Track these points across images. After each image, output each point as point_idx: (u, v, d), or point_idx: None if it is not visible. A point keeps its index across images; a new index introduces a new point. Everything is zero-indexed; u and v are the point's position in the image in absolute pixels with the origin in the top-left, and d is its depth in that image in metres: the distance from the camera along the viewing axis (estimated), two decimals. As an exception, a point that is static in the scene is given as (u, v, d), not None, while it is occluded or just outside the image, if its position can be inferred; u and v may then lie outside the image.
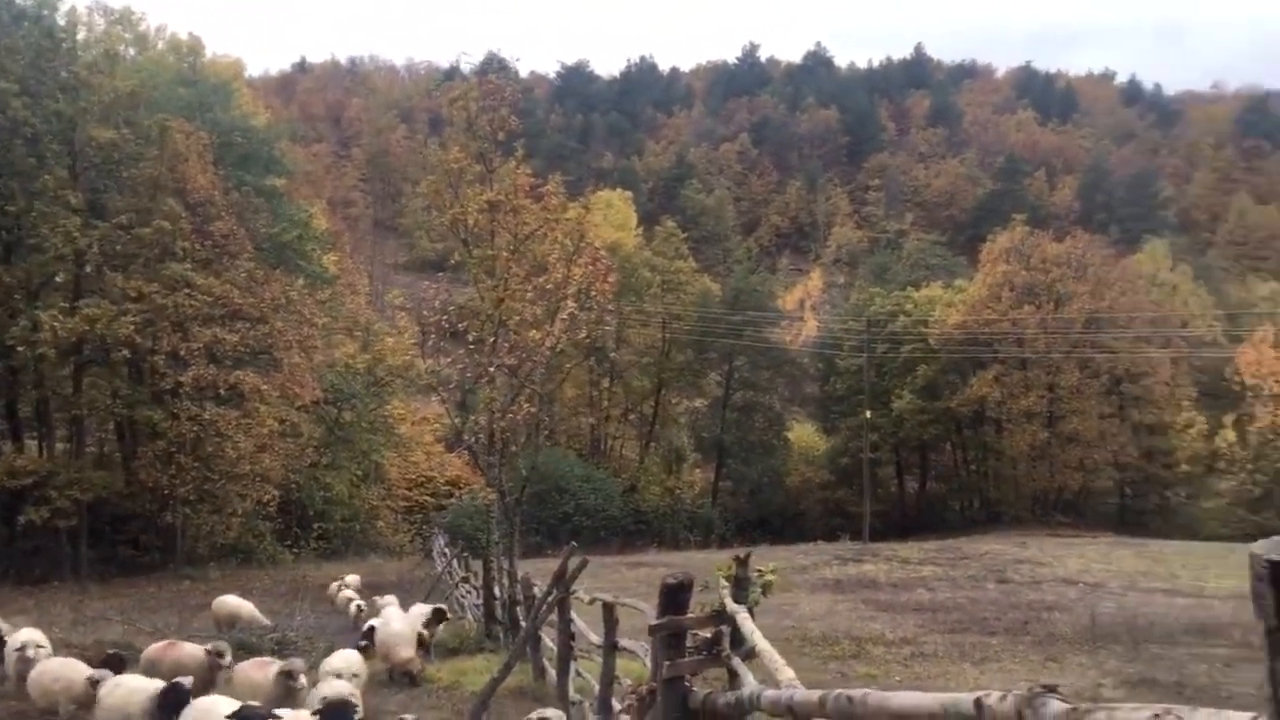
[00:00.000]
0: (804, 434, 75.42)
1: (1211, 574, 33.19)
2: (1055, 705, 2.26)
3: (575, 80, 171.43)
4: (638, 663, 9.79)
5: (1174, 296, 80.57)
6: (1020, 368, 67.00)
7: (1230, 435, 67.90)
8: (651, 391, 68.31)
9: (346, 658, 13.31)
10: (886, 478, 74.14)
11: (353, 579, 27.01)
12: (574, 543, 14.32)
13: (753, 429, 68.36)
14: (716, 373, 70.62)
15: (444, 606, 19.67)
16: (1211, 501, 69.09)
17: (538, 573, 17.35)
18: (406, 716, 11.29)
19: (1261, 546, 1.54)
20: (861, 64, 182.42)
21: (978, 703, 2.64)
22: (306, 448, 41.64)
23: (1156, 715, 1.84)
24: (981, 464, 71.48)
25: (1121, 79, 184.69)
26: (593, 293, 19.63)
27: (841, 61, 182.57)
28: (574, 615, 12.15)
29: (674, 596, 6.52)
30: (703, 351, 69.14)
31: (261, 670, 12.02)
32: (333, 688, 10.88)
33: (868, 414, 62.20)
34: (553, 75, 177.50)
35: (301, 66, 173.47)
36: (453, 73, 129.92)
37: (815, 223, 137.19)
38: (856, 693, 3.64)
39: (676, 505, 62.28)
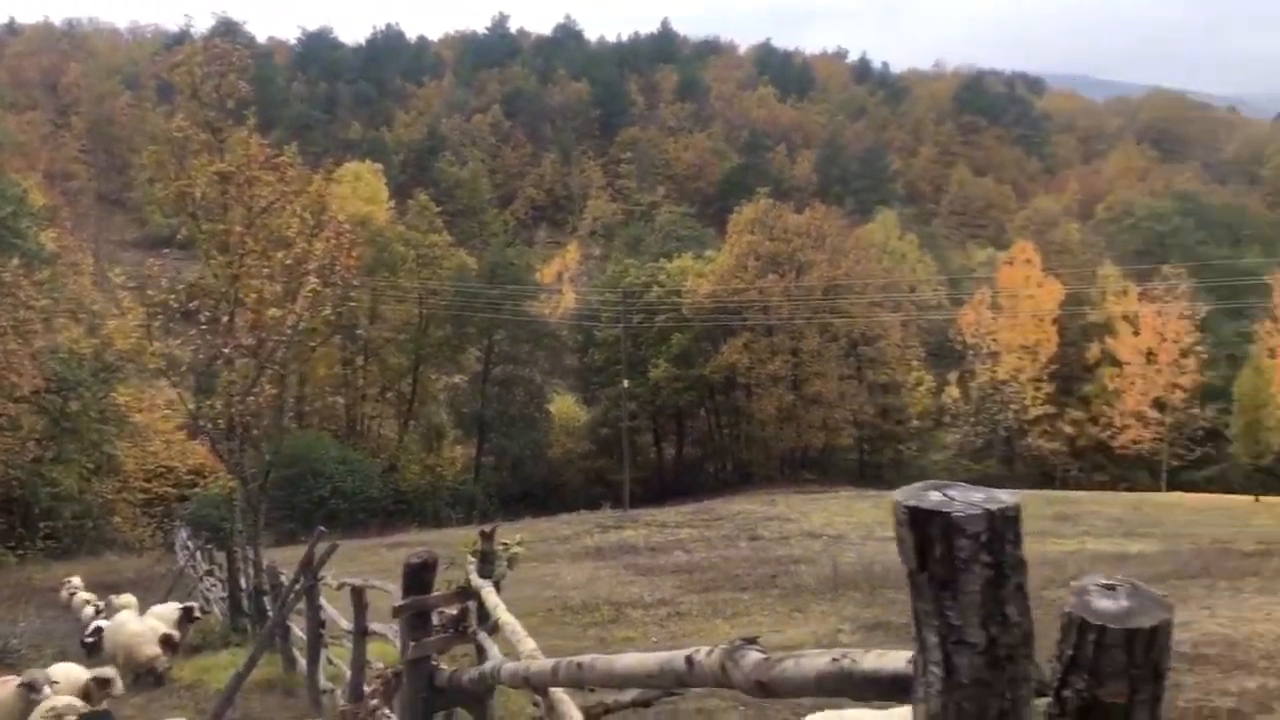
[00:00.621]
0: (565, 406, 76.05)
1: (939, 520, 35.87)
2: (753, 655, 2.33)
3: (318, 47, 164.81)
4: (391, 646, 9.59)
5: (903, 263, 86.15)
6: (767, 334, 70.01)
7: (954, 391, 73.51)
8: (409, 369, 67.05)
9: (66, 671, 12.29)
10: (645, 445, 75.86)
11: (76, 579, 25.13)
12: (322, 528, 13.86)
13: (514, 403, 68.32)
14: (476, 348, 70.01)
15: (194, 605, 18.64)
16: (940, 453, 74.71)
17: (292, 560, 16.69)
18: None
19: (901, 493, 1.62)
20: (611, 38, 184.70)
21: (689, 659, 2.70)
22: (27, 441, 38.43)
23: (834, 659, 1.92)
24: (733, 427, 74.37)
25: (853, 57, 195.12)
26: (337, 268, 18.90)
27: (591, 35, 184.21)
28: (323, 602, 11.77)
29: (417, 576, 6.41)
30: (461, 326, 68.37)
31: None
32: (62, 700, 10.06)
33: (626, 383, 63.32)
34: (293, 41, 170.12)
35: (11, 28, 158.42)
36: (182, 36, 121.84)
37: (571, 195, 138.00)
38: (585, 659, 3.68)
39: (438, 483, 61.56)
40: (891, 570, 23.45)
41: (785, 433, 69.25)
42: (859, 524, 35.58)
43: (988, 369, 72.71)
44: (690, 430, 77.88)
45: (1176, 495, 52.46)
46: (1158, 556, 24.50)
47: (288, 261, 18.19)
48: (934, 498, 1.56)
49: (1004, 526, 1.53)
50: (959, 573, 1.52)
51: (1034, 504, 41.78)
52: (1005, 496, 1.56)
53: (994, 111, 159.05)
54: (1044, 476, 71.94)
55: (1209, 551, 25.37)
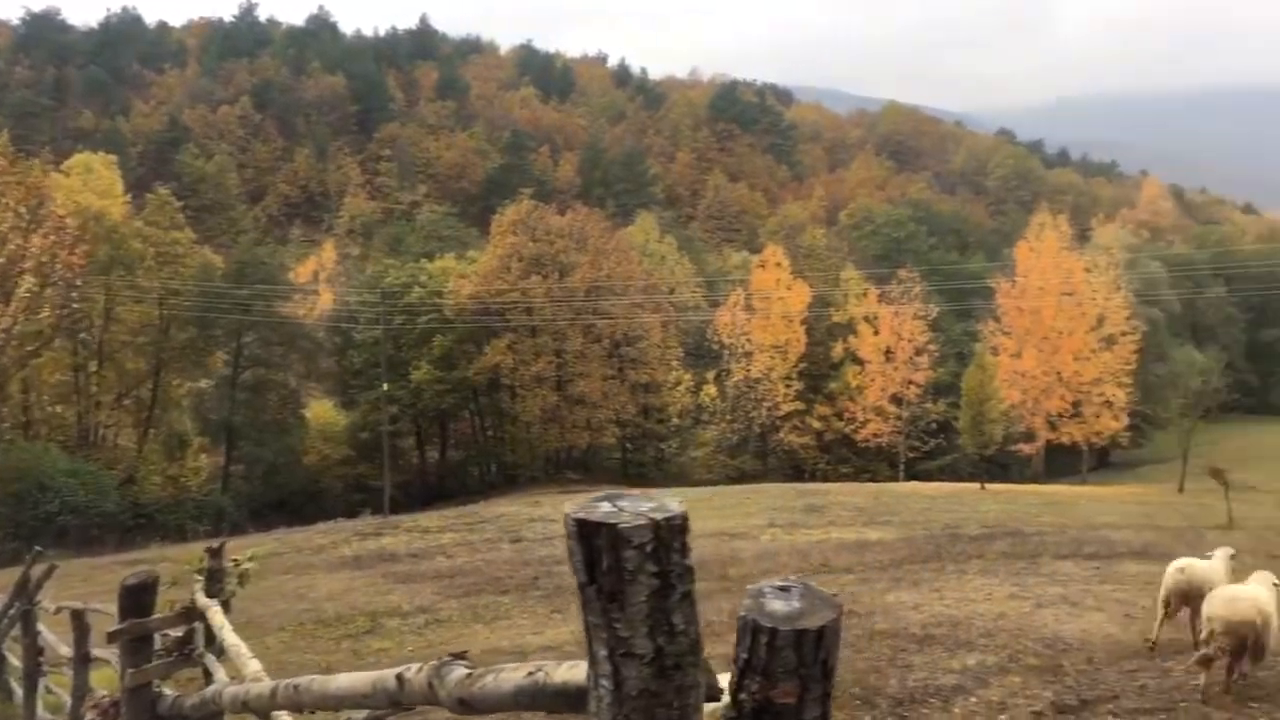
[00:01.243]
0: (322, 410, 73.45)
1: (699, 516, 36.57)
2: (457, 672, 2.27)
3: (44, 29, 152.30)
4: (116, 672, 8.94)
5: (663, 265, 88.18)
6: (531, 335, 70.07)
7: (712, 390, 75.80)
8: (149, 374, 62.78)
9: None
10: (407, 449, 74.37)
11: None
12: (39, 548, 12.77)
13: (266, 408, 65.37)
14: (224, 351, 66.50)
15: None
16: (698, 450, 76.88)
17: (9, 584, 15.29)
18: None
19: (572, 505, 1.60)
20: (367, 31, 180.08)
21: (399, 677, 2.63)
22: None
23: (530, 673, 1.88)
24: (498, 429, 74.00)
25: (613, 62, 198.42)
26: (58, 266, 17.49)
27: (346, 28, 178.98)
28: (41, 628, 10.85)
29: (135, 598, 5.96)
30: (207, 329, 64.69)
31: None
32: None
33: (386, 386, 61.84)
34: (16, 22, 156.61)
35: None
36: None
37: (327, 192, 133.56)
38: (303, 680, 3.53)
39: (181, 494, 58.03)
40: (650, 566, 24.04)
41: (550, 433, 69.53)
42: (620, 522, 36.02)
43: (742, 368, 75.44)
44: (454, 433, 76.94)
45: (913, 485, 56.03)
46: (895, 543, 26.00)
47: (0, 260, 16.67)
48: (604, 509, 1.55)
49: (670, 536, 1.53)
50: (626, 584, 1.50)
51: (786, 496, 43.80)
52: (674, 505, 1.56)
53: (746, 120, 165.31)
54: (795, 470, 75.46)
55: (940, 537, 27.16)
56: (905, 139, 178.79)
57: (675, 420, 75.77)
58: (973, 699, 9.47)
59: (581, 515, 1.55)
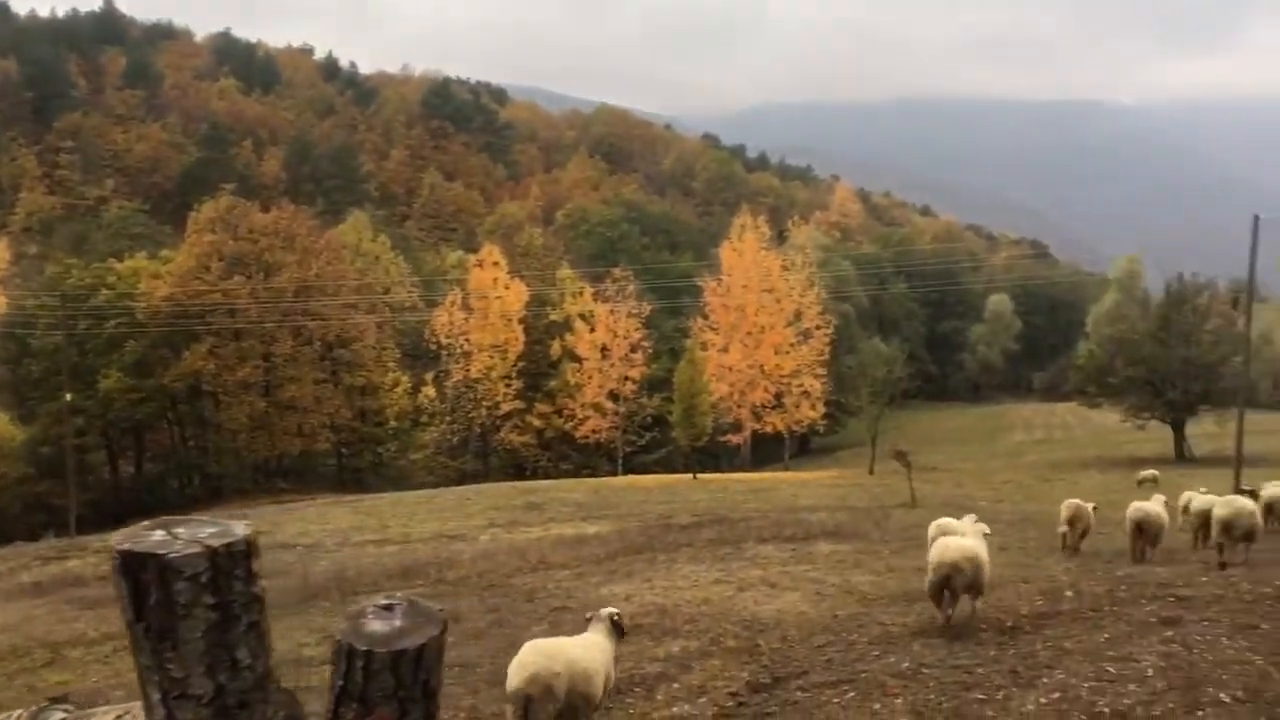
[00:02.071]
0: (-5, 425, 66.67)
1: (417, 519, 36.31)
2: (56, 716, 2.05)
3: None
4: None
5: (377, 265, 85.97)
6: (235, 339, 66.53)
7: (431, 391, 74.69)
8: None
9: None
10: (97, 464, 68.77)
11: None
12: None
13: (-75, 425, 58.63)
14: None
15: None
16: (418, 453, 75.60)
17: None
18: None
19: (120, 535, 1.44)
20: (44, 12, 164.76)
21: (3, 725, 2.36)
22: None
23: (118, 716, 1.71)
24: (201, 439, 69.83)
25: (320, 54, 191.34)
26: None
27: (20, 7, 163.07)
28: None
29: None
30: None
31: None
32: None
33: (69, 397, 56.81)
34: None
35: None
36: None
37: (0, 187, 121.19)
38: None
39: None
40: (365, 574, 23.32)
41: (258, 441, 66.26)
42: (335, 530, 34.87)
43: (461, 368, 74.78)
44: (151, 445, 71.84)
45: (630, 478, 57.49)
46: (610, 536, 26.54)
47: None
48: (155, 538, 1.41)
49: (231, 564, 1.42)
50: (179, 620, 1.36)
51: (507, 495, 43.79)
52: (238, 530, 1.45)
53: (461, 118, 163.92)
54: (517, 468, 75.64)
55: (654, 528, 27.97)
56: (617, 141, 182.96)
57: (393, 423, 74.15)
58: (675, 685, 9.78)
59: (127, 546, 1.38)
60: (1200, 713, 7.26)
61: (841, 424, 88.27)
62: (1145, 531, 16.20)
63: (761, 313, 73.92)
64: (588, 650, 8.46)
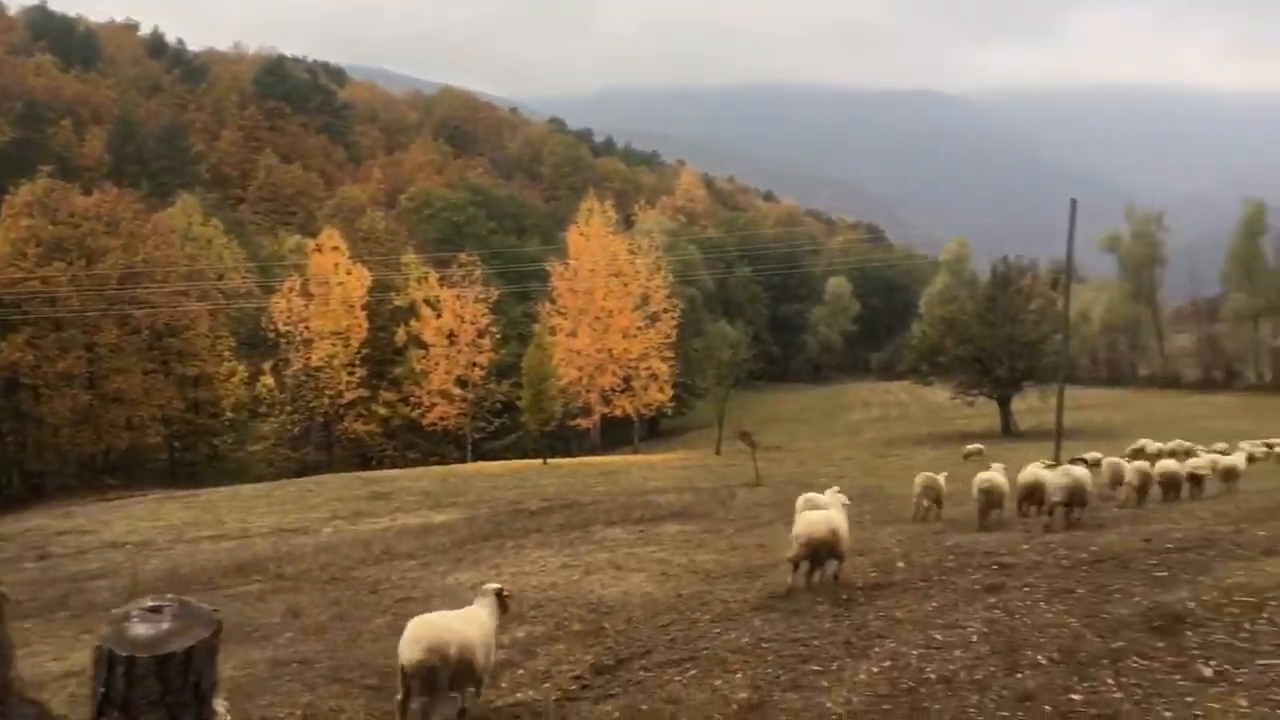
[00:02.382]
0: None
1: (256, 513, 35.14)
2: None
3: None
4: None
5: (209, 250, 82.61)
6: (55, 328, 62.92)
7: (269, 381, 72.38)
8: None
9: None
10: (-106, 464, 64.18)
11: None
12: None
13: None
14: None
15: None
16: (257, 444, 73.14)
17: None
18: None
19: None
20: None
21: None
22: None
23: None
24: (19, 435, 65.77)
25: (145, 30, 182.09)
26: None
27: None
28: None
29: None
30: None
31: None
32: None
33: None
34: None
35: None
36: None
37: None
38: None
39: None
40: (200, 572, 22.45)
41: (83, 436, 62.91)
42: (168, 527, 33.42)
43: (301, 356, 72.74)
44: (-37, 442, 67.34)
45: (479, 465, 57.05)
46: (459, 524, 26.26)
47: None
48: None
49: None
50: None
51: (351, 486, 42.84)
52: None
53: (297, 98, 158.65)
54: (362, 458, 74.08)
55: (503, 514, 27.82)
56: (462, 124, 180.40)
57: (230, 414, 71.55)
58: (520, 671, 9.73)
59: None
60: (1020, 674, 7.62)
61: (689, 406, 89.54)
62: (991, 499, 17.39)
63: (609, 297, 74.28)
64: (471, 624, 8.67)
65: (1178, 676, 7.21)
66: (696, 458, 54.62)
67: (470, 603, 9.25)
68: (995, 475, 17.94)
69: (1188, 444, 38.59)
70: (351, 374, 74.23)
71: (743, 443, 40.07)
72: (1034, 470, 18.16)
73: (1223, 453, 32.87)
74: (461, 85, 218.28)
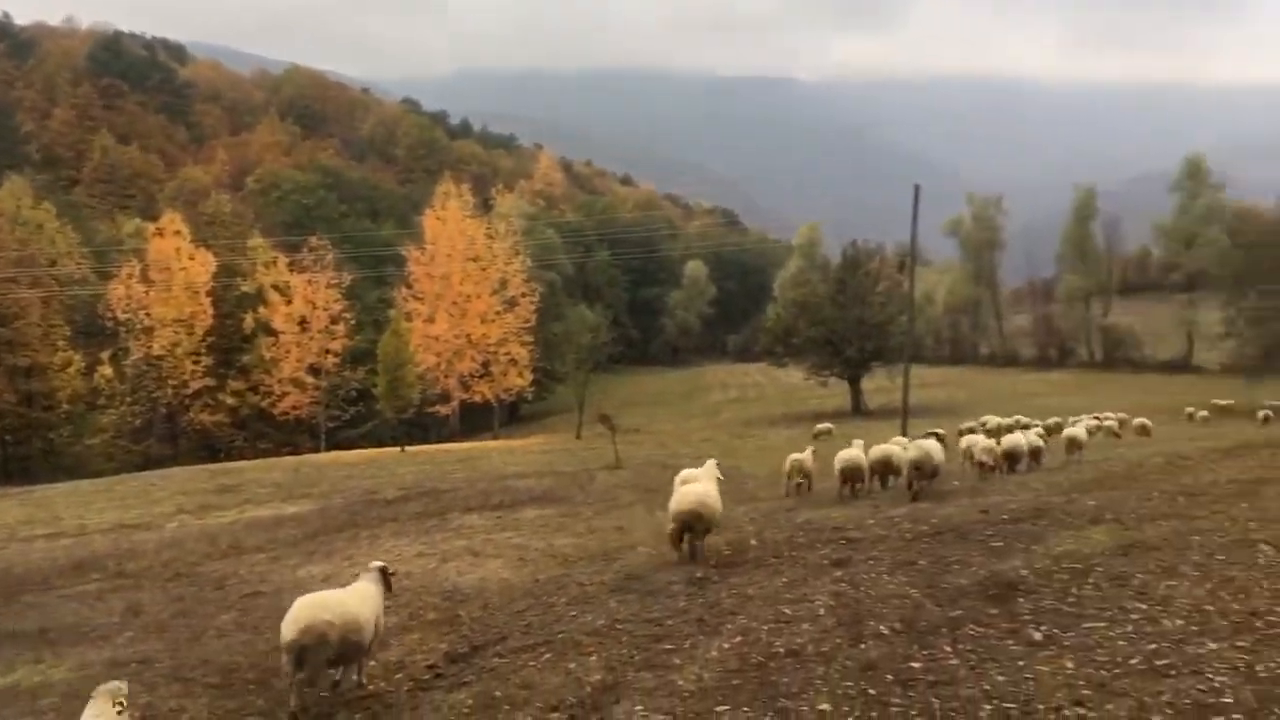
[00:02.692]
0: None
1: (95, 510, 33.52)
2: None
3: None
4: None
5: (40, 235, 78.28)
6: None
7: (108, 371, 69.16)
8: None
9: None
10: None
11: None
12: None
13: None
14: None
15: None
16: (95, 437, 69.83)
17: None
18: None
19: None
20: None
21: None
22: None
23: None
24: None
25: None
26: None
27: None
28: None
29: None
30: None
31: None
32: None
33: None
34: None
35: None
36: None
37: None
38: None
39: None
40: (34, 572, 21.31)
41: (-98, 433, 59.10)
42: (1, 526, 31.64)
43: (142, 345, 69.72)
44: None
45: (334, 454, 55.69)
46: (311, 515, 25.59)
47: None
48: None
49: None
50: None
51: (197, 479, 41.32)
52: None
53: (135, 76, 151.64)
54: (210, 450, 71.54)
55: (357, 504, 27.23)
56: (311, 104, 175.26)
57: (66, 406, 68.15)
58: (371, 663, 9.55)
59: None
60: (863, 645, 7.87)
61: (549, 390, 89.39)
62: (852, 474, 18.34)
63: (467, 281, 73.40)
64: (356, 600, 8.95)
65: (1010, 641, 7.56)
66: (557, 442, 54.58)
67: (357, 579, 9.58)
68: (855, 452, 18.77)
69: (1025, 419, 40.50)
70: (196, 363, 71.54)
71: (603, 426, 40.23)
72: (884, 447, 18.96)
73: (1055, 427, 34.65)
74: (310, 65, 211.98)
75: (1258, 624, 7.32)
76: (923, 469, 17.15)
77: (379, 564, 9.78)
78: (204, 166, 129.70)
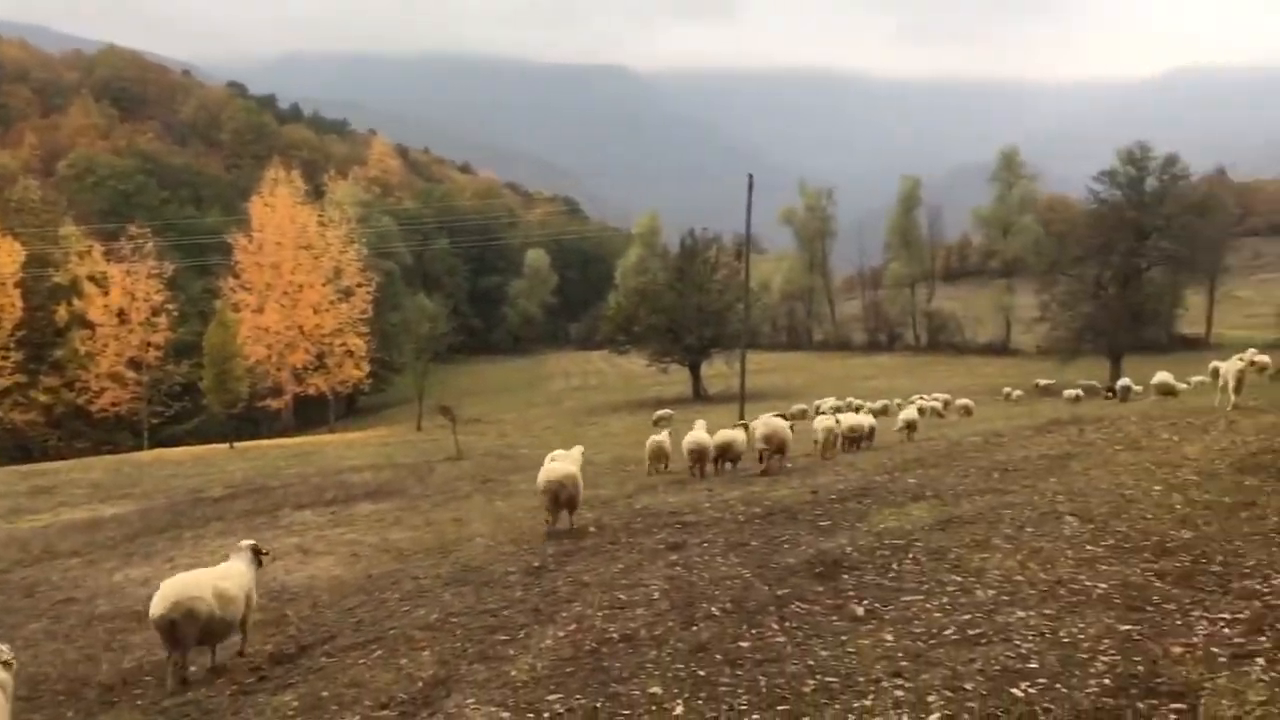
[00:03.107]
0: None
1: (-113, 518, 31.15)
2: None
3: None
4: None
5: None
6: None
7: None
8: None
9: None
10: None
11: None
12: None
13: None
14: None
15: None
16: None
17: None
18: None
19: None
20: None
21: None
22: None
23: None
24: None
25: None
26: None
27: None
28: None
29: None
30: None
31: None
32: None
33: None
34: None
35: None
36: None
37: None
38: None
39: None
40: None
41: None
42: None
43: None
44: None
45: (158, 452, 53.22)
46: (131, 516, 24.42)
47: None
48: None
49: None
50: None
51: (8, 480, 38.88)
52: None
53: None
54: (21, 450, 67.32)
55: (182, 504, 26.10)
56: (128, 85, 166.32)
57: None
58: (193, 669, 9.15)
59: None
60: (695, 627, 7.97)
61: (388, 382, 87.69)
62: (700, 456, 19.43)
63: (299, 270, 71.30)
64: (227, 578, 9.39)
65: (834, 617, 7.77)
66: (396, 434, 53.62)
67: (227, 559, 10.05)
68: (702, 434, 19.71)
69: (858, 401, 41.93)
70: (5, 358, 67.27)
71: (443, 417, 39.65)
72: (726, 431, 19.71)
73: (883, 410, 35.98)
74: (127, 44, 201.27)
75: (1062, 591, 7.73)
76: (770, 441, 18.36)
77: (249, 542, 10.27)
78: (10, 151, 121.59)
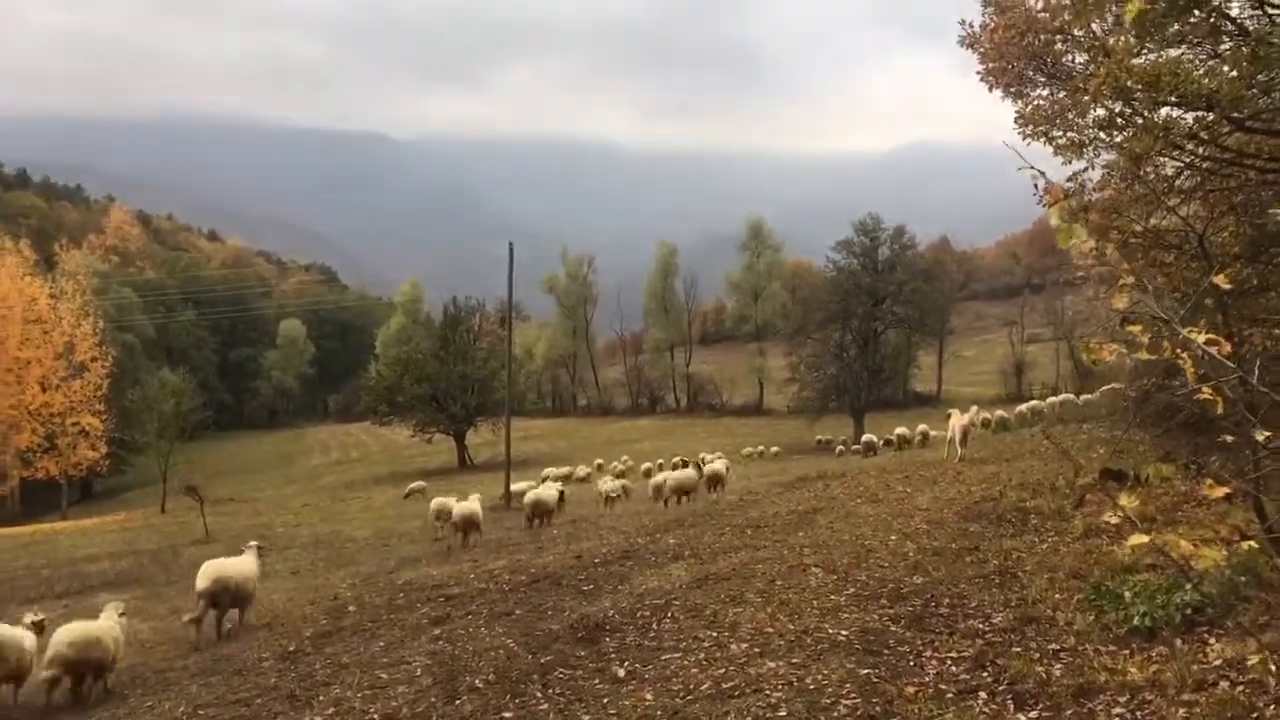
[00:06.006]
0: None
1: None
2: None
3: None
4: None
5: None
6: None
7: None
8: None
9: None
10: None
11: None
12: None
13: None
14: None
15: None
16: None
17: None
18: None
19: None
20: None
21: None
22: None
23: None
24: None
25: None
26: None
27: None
28: None
29: None
30: None
31: None
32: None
33: None
34: None
35: None
36: None
37: None
38: None
39: None
40: None
41: None
42: None
43: None
44: None
45: None
46: None
47: None
48: None
49: None
50: None
51: None
52: None
53: None
54: None
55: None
56: None
57: None
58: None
59: None
60: (459, 700, 7.90)
61: (128, 463, 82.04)
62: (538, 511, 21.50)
63: (26, 346, 66.12)
64: (244, 566, 13.82)
65: (597, 680, 7.91)
66: (139, 518, 50.19)
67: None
68: (541, 490, 22.44)
69: (621, 464, 42.58)
70: None
71: (190, 498, 37.48)
72: (536, 490, 21.59)
73: (646, 472, 36.78)
74: None
75: (808, 640, 8.17)
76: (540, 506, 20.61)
77: (255, 543, 15.15)
78: None
